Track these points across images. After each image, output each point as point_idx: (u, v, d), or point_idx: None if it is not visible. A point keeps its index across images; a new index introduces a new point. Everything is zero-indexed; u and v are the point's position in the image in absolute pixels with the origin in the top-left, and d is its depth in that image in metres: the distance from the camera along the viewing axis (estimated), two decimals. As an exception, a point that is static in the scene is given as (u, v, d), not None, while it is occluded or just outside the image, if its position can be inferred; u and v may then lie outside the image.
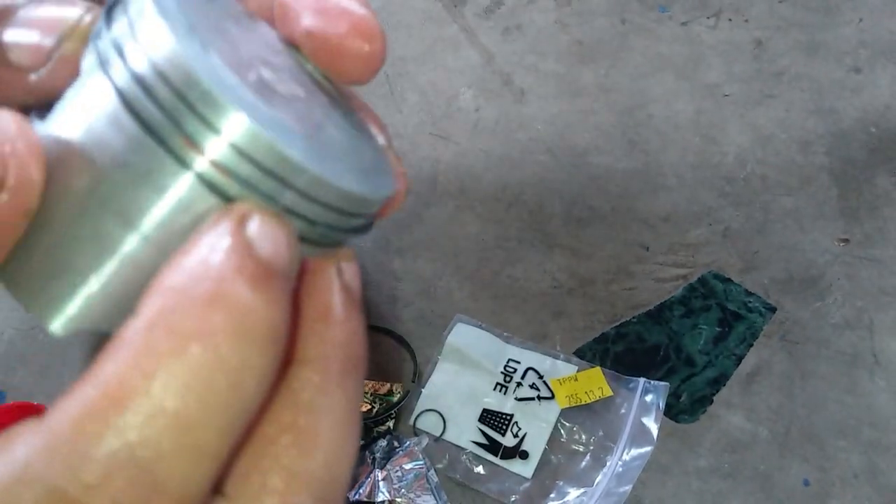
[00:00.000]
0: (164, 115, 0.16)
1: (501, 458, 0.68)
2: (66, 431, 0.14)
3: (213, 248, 0.15)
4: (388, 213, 0.22)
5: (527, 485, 0.67)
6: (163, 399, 0.14)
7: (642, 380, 0.70)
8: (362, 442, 0.69)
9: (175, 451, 0.14)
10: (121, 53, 0.16)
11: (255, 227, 0.16)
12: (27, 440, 0.14)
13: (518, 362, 0.72)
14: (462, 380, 0.72)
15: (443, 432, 0.70)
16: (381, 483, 0.66)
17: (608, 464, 0.67)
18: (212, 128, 0.16)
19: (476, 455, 0.69)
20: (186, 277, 0.15)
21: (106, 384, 0.14)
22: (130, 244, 0.16)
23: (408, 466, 0.67)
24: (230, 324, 0.15)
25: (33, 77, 0.18)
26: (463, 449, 0.69)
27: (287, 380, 0.17)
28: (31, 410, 0.58)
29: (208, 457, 0.15)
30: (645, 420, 0.69)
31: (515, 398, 0.71)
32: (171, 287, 0.15)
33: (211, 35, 0.17)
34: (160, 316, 0.15)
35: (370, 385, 0.72)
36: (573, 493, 0.66)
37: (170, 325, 0.14)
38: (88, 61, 0.17)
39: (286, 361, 0.17)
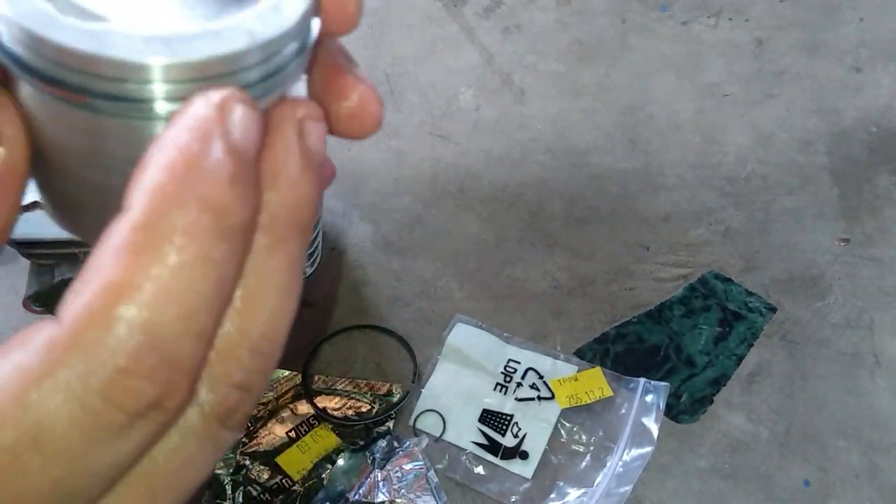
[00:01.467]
0: (98, 95, 0.17)
1: (501, 458, 0.68)
2: (81, 322, 0.16)
3: (199, 148, 0.17)
4: (340, 20, 0.21)
5: (527, 485, 0.67)
6: (167, 286, 0.16)
7: (642, 380, 0.70)
8: (362, 442, 0.69)
9: (183, 333, 0.16)
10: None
11: (236, 116, 0.17)
12: (49, 339, 0.16)
13: (518, 362, 0.72)
14: (462, 380, 0.72)
15: (443, 432, 0.70)
16: (380, 483, 0.66)
17: (608, 464, 0.67)
18: (141, 82, 0.17)
19: (476, 455, 0.68)
20: (174, 177, 0.16)
21: (110, 278, 0.16)
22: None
23: (408, 467, 0.67)
24: (214, 223, 0.16)
25: None
26: (463, 449, 0.69)
27: None
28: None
29: (205, 335, 0.17)
30: (645, 420, 0.69)
31: (515, 398, 0.71)
32: (160, 186, 0.16)
33: None
34: (153, 215, 0.16)
35: (370, 385, 0.72)
36: (573, 493, 0.66)
37: (161, 224, 0.16)
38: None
39: None
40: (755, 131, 0.87)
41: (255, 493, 0.67)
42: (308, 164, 0.19)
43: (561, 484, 0.67)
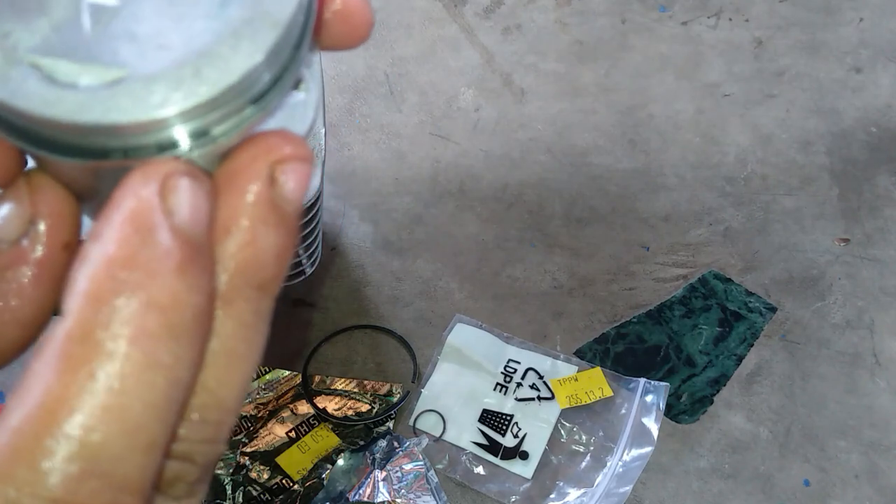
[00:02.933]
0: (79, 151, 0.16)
1: (501, 458, 0.68)
2: (24, 443, 0.14)
3: (139, 240, 0.15)
4: (342, 32, 0.19)
5: (527, 485, 0.67)
6: (107, 402, 0.14)
7: (642, 380, 0.70)
8: (362, 442, 0.69)
9: (129, 450, 0.14)
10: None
11: (181, 193, 0.15)
12: None
13: (518, 362, 0.72)
14: (462, 380, 0.72)
15: (443, 433, 0.70)
16: (381, 483, 0.66)
17: (608, 464, 0.67)
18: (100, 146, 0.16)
19: (476, 455, 0.68)
20: (111, 276, 0.15)
21: (47, 394, 0.14)
22: None
23: (408, 467, 0.67)
24: (162, 322, 0.15)
25: None
26: (463, 449, 0.69)
27: None
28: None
29: (157, 446, 0.15)
30: (645, 420, 0.69)
31: (515, 398, 0.71)
32: (96, 288, 0.15)
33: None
34: (89, 323, 0.14)
35: (370, 385, 0.72)
36: (573, 493, 0.66)
37: (99, 332, 0.14)
38: None
39: None
40: (755, 131, 0.87)
41: (255, 493, 0.67)
42: (272, 215, 0.16)
43: (561, 484, 0.67)
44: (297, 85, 0.19)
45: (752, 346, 0.74)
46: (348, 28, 0.19)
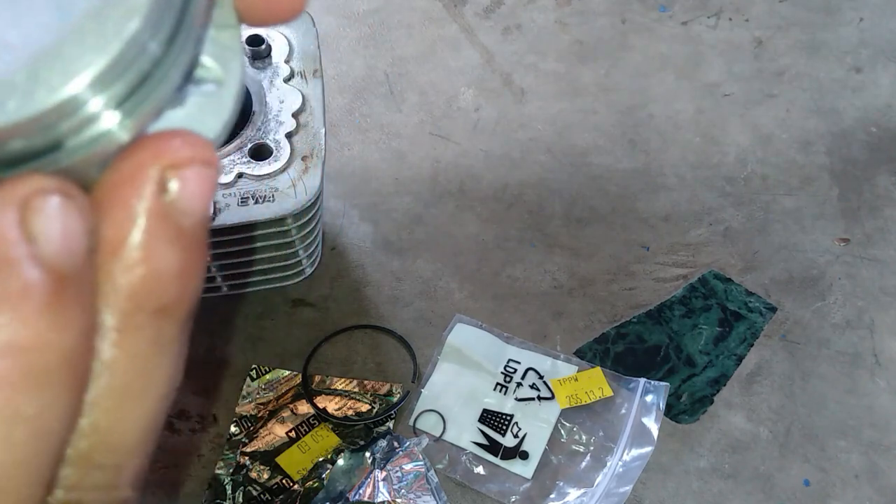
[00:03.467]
0: None
1: (501, 458, 0.68)
2: None
3: None
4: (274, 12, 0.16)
5: (527, 485, 0.67)
6: None
7: (642, 380, 0.70)
8: (362, 442, 0.69)
9: None
10: None
11: (48, 217, 0.13)
12: None
13: (518, 362, 0.72)
14: (462, 380, 0.72)
15: (443, 433, 0.70)
16: (381, 483, 0.66)
17: (608, 464, 0.67)
18: None
19: (476, 455, 0.68)
20: None
21: None
22: None
23: (408, 467, 0.67)
24: (21, 369, 0.12)
25: None
26: (463, 449, 0.69)
27: None
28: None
29: (29, 500, 0.13)
30: (645, 420, 0.69)
31: (515, 398, 0.71)
32: None
33: None
34: None
35: (370, 385, 0.72)
36: (573, 493, 0.66)
37: None
38: None
39: None
40: (755, 131, 0.87)
41: (255, 493, 0.67)
42: (166, 230, 0.14)
43: (561, 484, 0.67)
44: (189, 76, 0.16)
45: (752, 346, 0.74)
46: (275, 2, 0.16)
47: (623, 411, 0.69)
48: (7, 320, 0.12)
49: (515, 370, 0.72)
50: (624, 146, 0.87)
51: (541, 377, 0.71)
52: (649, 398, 0.69)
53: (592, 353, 0.74)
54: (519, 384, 0.71)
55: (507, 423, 0.70)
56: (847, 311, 0.76)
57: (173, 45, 0.15)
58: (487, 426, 0.70)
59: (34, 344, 0.13)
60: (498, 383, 0.71)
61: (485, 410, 0.70)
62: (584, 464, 0.68)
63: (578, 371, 0.72)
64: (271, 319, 0.76)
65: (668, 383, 0.70)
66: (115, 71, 0.14)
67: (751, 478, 0.68)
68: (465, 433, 0.69)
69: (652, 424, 0.68)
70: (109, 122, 0.14)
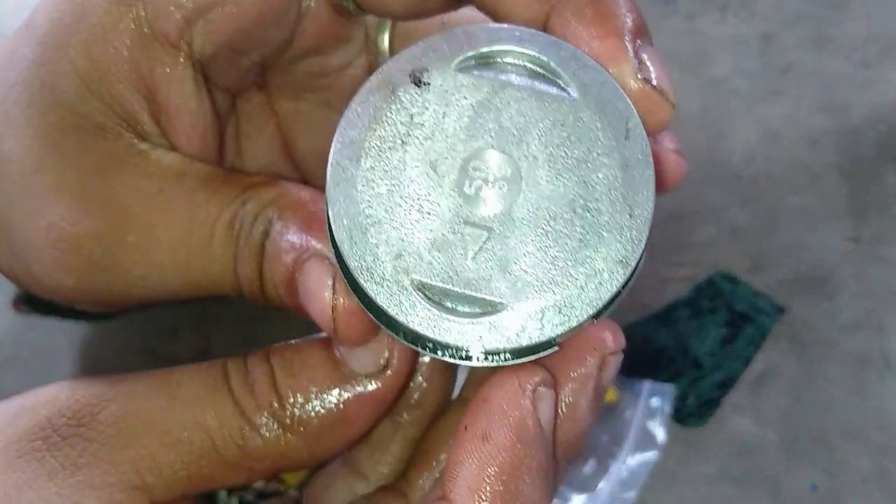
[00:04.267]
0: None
1: (503, 462, 0.67)
2: None
3: (522, 451, 0.18)
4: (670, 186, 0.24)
5: (529, 490, 0.66)
6: None
7: (647, 383, 0.70)
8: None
9: None
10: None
11: (545, 405, 0.19)
12: None
13: (520, 364, 0.71)
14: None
15: (443, 436, 0.69)
16: (380, 488, 0.65)
17: (612, 469, 0.67)
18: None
19: (477, 460, 0.68)
20: (501, 480, 0.18)
21: None
22: None
23: (408, 471, 0.66)
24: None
25: None
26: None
27: None
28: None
29: None
30: (650, 424, 0.68)
31: (518, 401, 0.70)
32: (488, 488, 0.17)
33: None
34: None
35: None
36: (576, 499, 0.66)
37: None
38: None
39: None
40: (762, 128, 0.86)
41: (249, 499, 0.66)
42: (598, 397, 0.20)
43: (563, 489, 0.66)
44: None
45: (759, 347, 0.73)
46: (664, 183, 0.24)
47: (627, 415, 0.69)
48: (528, 488, 0.18)
49: (518, 372, 0.71)
50: (628, 143, 0.86)
51: (544, 380, 0.71)
52: (654, 401, 0.69)
53: (596, 355, 0.73)
54: (521, 387, 0.70)
55: (509, 426, 0.69)
56: (855, 312, 0.75)
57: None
58: (489, 430, 0.69)
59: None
60: (500, 386, 0.71)
61: (486, 414, 0.69)
62: (587, 469, 0.67)
63: (582, 373, 0.71)
64: (265, 321, 0.75)
65: (674, 386, 0.70)
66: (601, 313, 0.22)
67: (758, 482, 0.67)
68: (467, 437, 0.69)
69: (657, 428, 0.68)
70: (582, 327, 0.22)
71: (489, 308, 0.20)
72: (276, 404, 0.24)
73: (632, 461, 0.67)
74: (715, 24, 0.94)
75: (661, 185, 0.24)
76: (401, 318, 0.21)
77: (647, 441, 0.68)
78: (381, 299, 0.21)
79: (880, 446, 0.68)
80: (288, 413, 0.24)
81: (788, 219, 0.80)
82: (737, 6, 0.95)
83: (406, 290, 0.21)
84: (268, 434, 0.24)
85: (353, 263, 0.21)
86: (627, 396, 0.70)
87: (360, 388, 0.24)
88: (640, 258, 0.23)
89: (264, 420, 0.24)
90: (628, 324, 0.75)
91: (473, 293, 0.21)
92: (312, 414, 0.24)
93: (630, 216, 0.22)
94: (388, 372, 0.23)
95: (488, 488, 0.17)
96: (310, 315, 0.24)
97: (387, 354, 0.23)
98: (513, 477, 0.17)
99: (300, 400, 0.24)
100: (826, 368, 0.72)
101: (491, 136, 0.22)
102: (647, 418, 0.68)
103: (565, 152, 0.22)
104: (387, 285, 0.21)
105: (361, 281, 0.21)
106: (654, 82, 0.24)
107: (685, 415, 0.70)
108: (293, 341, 0.26)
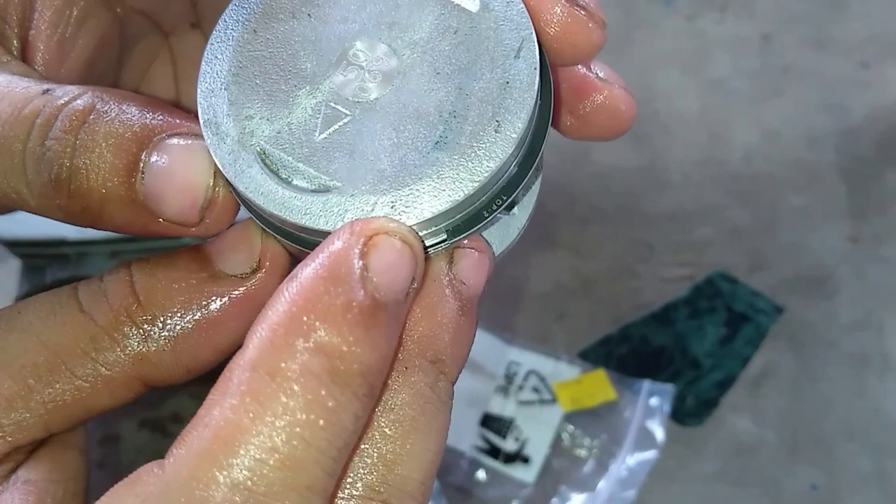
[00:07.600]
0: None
1: (503, 462, 0.68)
2: (182, 476, 0.16)
3: (324, 289, 0.16)
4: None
5: (528, 490, 0.67)
6: (270, 440, 0.15)
7: (647, 382, 0.70)
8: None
9: (287, 488, 0.15)
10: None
11: (381, 255, 0.17)
12: (147, 489, 0.16)
13: (519, 364, 0.72)
14: (462, 382, 0.71)
15: (443, 436, 0.69)
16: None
17: (612, 469, 0.67)
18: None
19: (477, 460, 0.68)
20: (291, 317, 0.16)
21: (216, 427, 0.16)
22: None
23: (407, 471, 0.66)
24: (328, 369, 0.16)
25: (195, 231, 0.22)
26: (463, 453, 0.68)
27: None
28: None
29: (315, 492, 0.16)
30: (649, 424, 0.68)
31: (517, 401, 0.70)
32: (275, 326, 0.16)
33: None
34: (263, 356, 0.16)
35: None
36: (576, 498, 0.66)
37: (273, 368, 0.16)
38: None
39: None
40: (762, 128, 0.86)
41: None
42: (449, 291, 0.19)
43: (563, 489, 0.67)
44: (510, 209, 0.23)
45: (758, 347, 0.73)
46: (613, 122, 0.22)
47: (627, 414, 0.69)
48: (326, 327, 0.16)
49: (517, 372, 0.71)
50: (628, 142, 0.85)
51: (543, 380, 0.71)
52: (654, 401, 0.69)
53: (596, 355, 0.73)
54: (521, 387, 0.71)
55: (508, 426, 0.69)
56: (855, 312, 0.75)
57: (501, 197, 0.21)
58: (488, 430, 0.69)
59: (342, 352, 0.16)
60: (499, 386, 0.71)
61: (486, 414, 0.70)
62: (586, 468, 0.67)
63: (581, 373, 0.71)
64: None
65: (673, 385, 0.70)
66: (450, 216, 0.20)
67: (757, 482, 0.67)
68: (466, 437, 0.69)
69: (656, 428, 0.68)
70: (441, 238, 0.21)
71: (321, 187, 0.20)
72: (134, 307, 0.21)
73: (631, 460, 0.67)
74: (715, 24, 0.94)
75: (610, 124, 0.24)
76: (229, 176, 0.20)
77: (646, 440, 0.68)
78: (219, 155, 0.20)
79: (880, 446, 0.68)
80: (148, 317, 0.21)
81: (788, 219, 0.80)
82: (737, 6, 0.95)
83: (246, 150, 0.20)
84: (126, 342, 0.21)
85: (203, 116, 0.21)
86: (626, 396, 0.70)
87: (231, 290, 0.21)
88: (503, 177, 0.21)
89: (120, 327, 0.21)
90: (627, 324, 0.75)
91: (310, 169, 0.20)
92: (177, 318, 0.21)
93: (496, 132, 0.21)
94: (262, 273, 0.22)
95: (279, 321, 0.16)
96: (151, 209, 0.21)
97: (258, 254, 0.22)
98: (307, 313, 0.16)
99: (162, 301, 0.21)
100: (826, 368, 0.72)
101: (381, 28, 0.22)
102: (646, 418, 0.68)
103: (449, 58, 0.22)
104: (229, 142, 0.21)
105: (207, 134, 0.21)
106: (581, 1, 0.23)
107: (684, 414, 0.70)
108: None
